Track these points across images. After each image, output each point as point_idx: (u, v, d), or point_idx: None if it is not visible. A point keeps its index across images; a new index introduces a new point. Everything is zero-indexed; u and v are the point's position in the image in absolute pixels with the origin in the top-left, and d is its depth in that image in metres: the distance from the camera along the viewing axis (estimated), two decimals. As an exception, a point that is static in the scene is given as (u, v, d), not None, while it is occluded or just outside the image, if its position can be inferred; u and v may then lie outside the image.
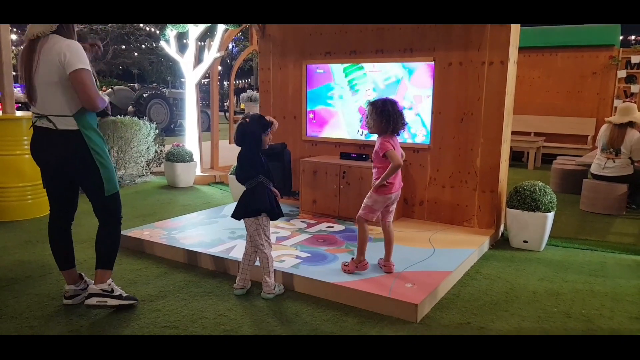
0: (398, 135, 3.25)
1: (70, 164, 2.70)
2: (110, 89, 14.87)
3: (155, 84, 25.28)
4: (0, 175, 4.76)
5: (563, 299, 3.17)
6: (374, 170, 3.31)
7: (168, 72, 30.46)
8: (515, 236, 4.17)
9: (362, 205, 3.32)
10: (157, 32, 22.19)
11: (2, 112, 4.89)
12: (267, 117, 3.09)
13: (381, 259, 3.40)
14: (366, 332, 2.68)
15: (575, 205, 5.84)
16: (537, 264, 3.80)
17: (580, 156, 7.62)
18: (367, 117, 3.24)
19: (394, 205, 3.38)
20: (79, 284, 2.99)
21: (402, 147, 3.37)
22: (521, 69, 9.87)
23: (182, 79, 28.84)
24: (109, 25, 23.18)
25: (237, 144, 3.10)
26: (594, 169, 5.76)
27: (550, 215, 4.08)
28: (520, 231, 4.12)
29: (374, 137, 3.33)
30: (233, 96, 9.46)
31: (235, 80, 9.49)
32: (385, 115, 3.13)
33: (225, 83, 29.27)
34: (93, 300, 2.81)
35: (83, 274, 3.04)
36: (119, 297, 2.88)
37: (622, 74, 9.21)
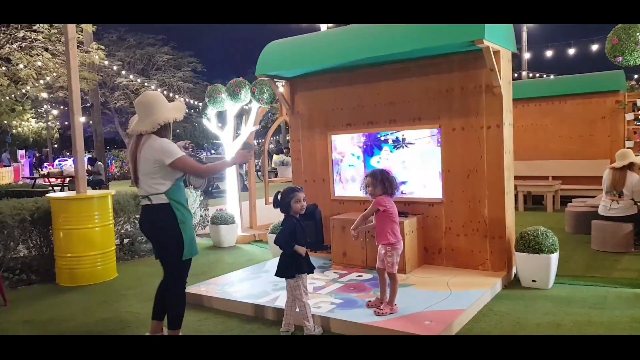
0: (393, 196, 3.97)
1: (162, 232, 3.45)
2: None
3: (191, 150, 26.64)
4: (76, 245, 5.59)
5: (562, 329, 3.68)
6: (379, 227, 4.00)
7: (201, 137, 32.18)
8: (525, 277, 4.70)
9: (389, 262, 3.94)
10: (195, 102, 23.85)
11: (77, 192, 5.78)
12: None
13: (378, 298, 4.06)
14: (392, 361, 3.26)
15: (587, 245, 6.29)
16: (543, 301, 4.31)
17: (595, 197, 8.07)
18: (367, 185, 3.97)
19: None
20: (158, 334, 3.67)
21: (419, 203, 4.08)
22: (535, 118, 10.58)
23: (215, 141, 30.57)
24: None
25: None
26: (601, 211, 6.25)
27: (554, 256, 4.61)
28: (528, 272, 4.65)
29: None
30: (267, 158, 10.34)
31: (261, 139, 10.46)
32: (378, 182, 3.91)
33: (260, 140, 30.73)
34: None
35: (164, 328, 3.71)
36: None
37: (630, 116, 9.72)
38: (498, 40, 4.55)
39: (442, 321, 3.64)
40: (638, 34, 4.36)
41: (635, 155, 7.25)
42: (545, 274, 4.59)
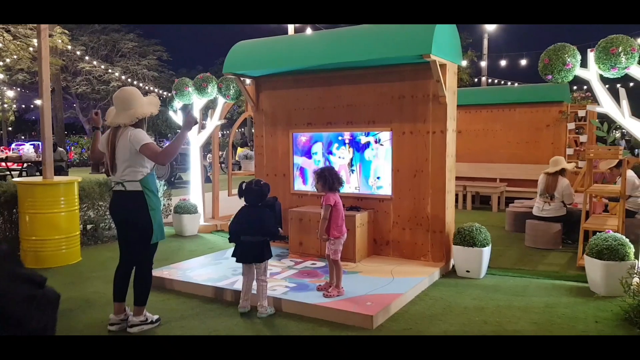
0: (337, 192, 4.45)
1: (132, 216, 3.77)
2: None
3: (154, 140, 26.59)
4: (41, 229, 5.80)
5: (485, 312, 4.22)
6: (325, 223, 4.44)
7: (164, 126, 31.97)
8: (460, 267, 5.24)
9: (332, 250, 4.39)
10: (160, 91, 23.71)
11: (43, 178, 5.98)
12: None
13: (327, 282, 4.54)
14: (336, 335, 3.70)
15: (521, 242, 6.93)
16: (474, 288, 4.86)
17: (533, 199, 8.76)
18: (315, 182, 4.43)
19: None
20: (121, 315, 3.99)
21: (370, 198, 4.54)
22: (486, 123, 11.27)
23: (178, 130, 30.35)
24: (110, 85, 24.68)
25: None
26: (534, 211, 6.89)
27: (486, 250, 5.16)
28: (463, 263, 5.20)
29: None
30: (232, 150, 10.64)
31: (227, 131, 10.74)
32: (325, 179, 4.38)
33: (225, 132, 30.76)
34: (135, 329, 3.83)
35: (127, 308, 4.03)
36: (151, 322, 3.92)
37: (571, 126, 10.52)
38: (444, 54, 5.05)
39: (381, 303, 4.11)
40: (565, 55, 4.94)
41: (568, 162, 7.98)
42: (478, 265, 5.14)
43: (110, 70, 24.08)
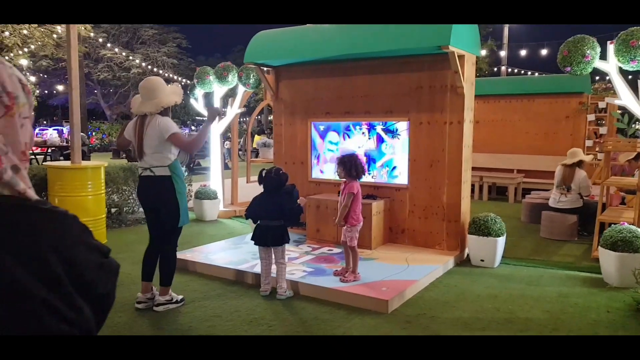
0: (359, 179, 4.53)
1: (159, 200, 3.95)
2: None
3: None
4: (70, 211, 6.01)
5: (498, 300, 4.32)
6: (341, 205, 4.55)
7: (183, 113, 32.31)
8: (474, 256, 5.33)
9: (349, 237, 4.51)
10: (179, 78, 23.95)
11: (72, 162, 6.20)
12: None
13: (343, 267, 4.65)
14: (352, 319, 3.85)
15: (537, 233, 6.97)
16: (487, 277, 4.95)
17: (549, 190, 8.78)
18: (337, 168, 4.53)
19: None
20: (148, 294, 4.18)
21: (387, 187, 4.67)
22: (505, 114, 11.24)
23: (198, 117, 30.88)
24: (130, 72, 25.01)
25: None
26: (551, 203, 6.93)
27: (500, 239, 5.24)
28: (477, 252, 5.29)
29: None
30: (250, 138, 10.80)
31: (245, 118, 10.90)
32: (348, 165, 4.46)
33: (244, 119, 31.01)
34: (160, 308, 4.03)
35: (154, 287, 4.22)
36: (176, 302, 4.11)
37: (591, 117, 10.44)
38: (463, 45, 5.10)
39: (396, 289, 4.24)
40: (585, 47, 4.96)
41: (587, 154, 7.97)
42: (492, 254, 5.23)
43: (131, 57, 24.42)
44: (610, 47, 4.94)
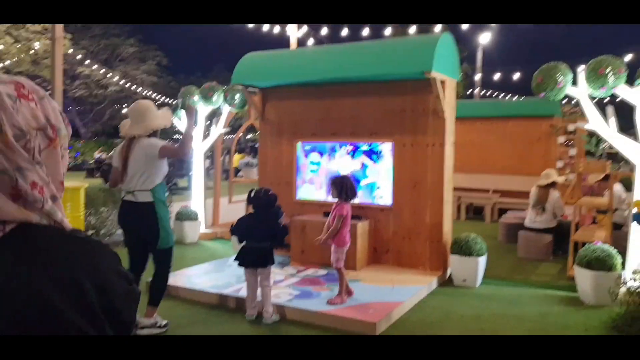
0: (350, 201, 4.62)
1: (141, 226, 3.96)
2: (112, 152, 16.09)
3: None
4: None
5: (482, 320, 4.42)
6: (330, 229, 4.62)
7: (161, 132, 32.04)
8: (457, 276, 5.45)
9: (335, 258, 4.58)
10: (156, 96, 23.81)
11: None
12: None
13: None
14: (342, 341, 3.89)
15: (514, 252, 7.15)
16: (470, 297, 5.07)
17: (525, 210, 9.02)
18: (330, 188, 4.62)
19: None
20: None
21: (371, 208, 4.72)
22: (481, 135, 11.54)
23: (176, 137, 30.72)
24: (108, 90, 24.78)
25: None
26: (526, 223, 7.13)
27: (482, 259, 5.38)
28: (460, 272, 5.41)
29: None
30: (232, 159, 10.84)
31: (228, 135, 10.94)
32: (340, 187, 4.53)
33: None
34: (144, 331, 4.01)
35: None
36: (160, 326, 4.10)
37: (561, 139, 10.82)
38: (444, 71, 5.29)
39: (383, 311, 4.31)
40: (557, 74, 5.19)
41: (561, 175, 8.25)
42: (474, 274, 5.35)
43: (109, 75, 24.21)
44: (581, 75, 5.18)
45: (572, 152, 10.77)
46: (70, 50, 17.26)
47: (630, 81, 4.98)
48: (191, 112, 4.26)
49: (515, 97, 20.35)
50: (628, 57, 13.24)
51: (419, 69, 5.04)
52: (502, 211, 10.44)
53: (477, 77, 20.53)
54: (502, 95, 22.99)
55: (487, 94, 23.35)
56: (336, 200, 4.65)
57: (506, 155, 11.22)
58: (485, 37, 19.57)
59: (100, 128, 29.18)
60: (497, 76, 18.74)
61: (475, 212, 10.92)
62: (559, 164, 10.58)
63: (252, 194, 4.46)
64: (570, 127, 10.72)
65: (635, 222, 4.95)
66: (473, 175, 11.29)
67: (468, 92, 22.77)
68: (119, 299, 0.99)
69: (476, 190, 11.03)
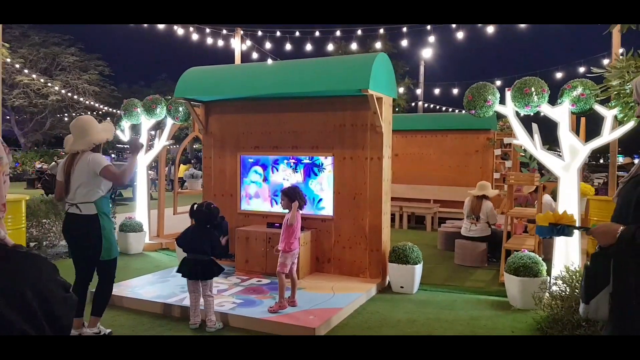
0: (302, 209, 4.79)
1: (85, 238, 3.96)
2: (53, 162, 15.63)
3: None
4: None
5: (416, 324, 4.67)
6: (282, 237, 4.78)
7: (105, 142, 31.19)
8: (395, 283, 5.70)
9: (279, 262, 4.74)
10: (100, 106, 23.22)
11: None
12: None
13: (289, 297, 4.81)
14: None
15: (451, 260, 7.52)
16: (407, 303, 5.32)
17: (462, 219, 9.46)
18: (281, 199, 4.78)
19: (296, 259, 4.86)
20: (80, 329, 4.14)
21: (313, 219, 4.94)
22: (421, 148, 12.00)
23: (119, 145, 29.94)
24: (48, 99, 23.93)
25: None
26: (462, 232, 7.52)
27: (418, 267, 5.65)
28: (398, 279, 5.66)
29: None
30: (177, 169, 10.74)
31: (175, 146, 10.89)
32: (290, 196, 4.69)
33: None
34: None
35: (85, 322, 4.18)
36: (104, 335, 4.10)
37: (497, 152, 11.43)
38: (381, 89, 5.57)
39: (323, 317, 4.48)
40: (486, 93, 5.57)
41: (496, 186, 8.73)
42: (411, 281, 5.62)
43: (49, 84, 23.40)
44: (508, 94, 5.59)
45: (508, 164, 11.39)
46: (8, 60, 16.63)
47: (552, 100, 5.42)
48: (135, 146, 4.23)
49: (457, 111, 21.21)
50: (559, 75, 14.10)
51: (356, 87, 5.30)
52: (442, 220, 10.89)
53: (419, 91, 21.30)
54: (444, 108, 23.88)
55: (430, 107, 24.20)
56: (286, 211, 4.80)
57: (445, 167, 11.72)
58: (427, 52, 20.31)
59: (40, 138, 28.08)
60: (438, 91, 19.50)
61: (417, 222, 11.32)
62: (496, 176, 11.16)
63: (195, 208, 4.54)
64: (506, 140, 11.34)
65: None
66: (414, 186, 11.73)
67: (413, 105, 23.57)
68: (58, 305, 1.13)
69: (418, 200, 11.45)
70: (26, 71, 21.54)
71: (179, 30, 11.93)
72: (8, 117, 27.19)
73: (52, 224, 7.29)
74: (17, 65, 20.23)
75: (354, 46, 14.53)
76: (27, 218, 6.60)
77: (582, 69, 13.68)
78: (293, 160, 6.24)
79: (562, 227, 2.20)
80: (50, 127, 26.87)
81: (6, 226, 5.24)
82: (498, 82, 15.15)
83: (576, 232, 3.11)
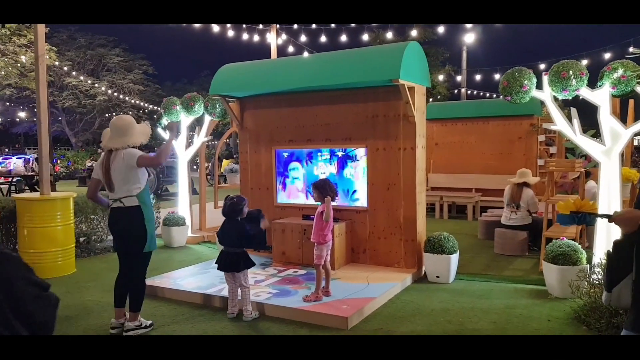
0: (333, 201, 4.86)
1: (129, 229, 4.16)
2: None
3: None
4: (39, 242, 6.13)
5: (450, 313, 4.66)
6: (314, 228, 4.86)
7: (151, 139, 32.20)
8: (430, 273, 5.68)
9: (315, 254, 4.83)
10: (145, 104, 23.97)
11: (41, 193, 6.32)
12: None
13: (323, 287, 4.89)
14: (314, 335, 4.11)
15: (491, 249, 7.40)
16: (442, 292, 5.30)
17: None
18: (312, 192, 4.85)
19: (329, 250, 4.94)
20: (121, 319, 4.36)
21: (348, 210, 5.23)
22: (462, 135, 11.81)
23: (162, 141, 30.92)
24: (96, 99, 24.91)
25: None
26: (502, 220, 7.38)
27: (454, 257, 5.62)
28: (433, 269, 5.65)
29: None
30: (217, 163, 11.03)
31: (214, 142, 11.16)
32: (321, 189, 4.75)
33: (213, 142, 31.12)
34: (130, 333, 4.22)
35: (127, 313, 4.40)
36: (145, 327, 4.30)
37: (542, 138, 11.10)
38: (412, 78, 5.53)
39: (356, 306, 4.54)
40: (522, 79, 5.44)
41: (540, 172, 8.49)
42: (447, 271, 5.59)
43: (96, 85, 24.37)
44: (545, 78, 5.43)
45: (553, 150, 11.04)
46: (57, 63, 17.41)
47: (592, 83, 5.24)
48: (172, 128, 4.54)
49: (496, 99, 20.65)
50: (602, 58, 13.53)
51: (387, 77, 5.28)
52: (484, 209, 10.69)
53: (459, 78, 20.86)
54: (487, 94, 23.30)
55: (473, 94, 23.67)
56: (319, 203, 4.89)
57: (487, 154, 11.48)
58: (469, 37, 19.82)
59: (90, 137, 29.35)
60: (479, 77, 19.04)
61: (458, 211, 11.17)
62: (540, 162, 10.84)
63: (224, 203, 4.70)
64: (544, 126, 10.98)
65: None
66: (455, 175, 11.56)
67: (455, 92, 23.13)
68: (29, 304, 1.22)
69: (459, 190, 11.28)
70: (74, 73, 22.51)
71: (215, 28, 12.17)
72: (60, 118, 28.53)
73: (100, 220, 7.65)
74: (66, 68, 21.14)
75: (389, 35, 14.40)
76: (75, 214, 6.95)
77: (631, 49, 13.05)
78: (327, 153, 6.30)
79: (584, 215, 2.17)
80: (99, 126, 27.97)
81: (56, 222, 5.57)
82: (542, 66, 14.69)
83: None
